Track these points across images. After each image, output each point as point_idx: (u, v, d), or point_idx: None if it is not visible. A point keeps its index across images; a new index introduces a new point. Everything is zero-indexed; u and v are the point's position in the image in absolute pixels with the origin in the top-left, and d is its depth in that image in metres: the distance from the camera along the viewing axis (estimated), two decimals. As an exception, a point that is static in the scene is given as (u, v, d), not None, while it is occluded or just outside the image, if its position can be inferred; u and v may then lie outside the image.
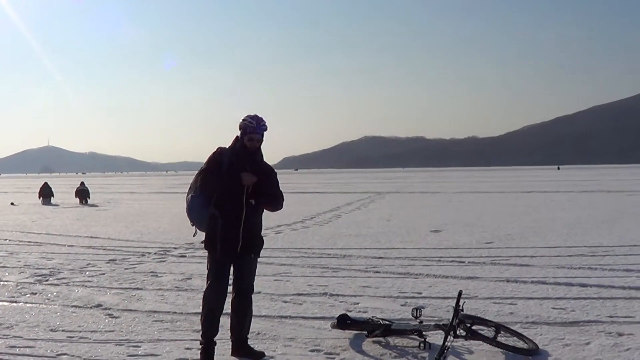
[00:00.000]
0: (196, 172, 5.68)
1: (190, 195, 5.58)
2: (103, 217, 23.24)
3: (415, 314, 5.91)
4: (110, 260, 11.65)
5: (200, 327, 5.66)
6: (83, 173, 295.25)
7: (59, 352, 5.77)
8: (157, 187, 66.82)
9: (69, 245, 14.08)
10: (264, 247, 5.78)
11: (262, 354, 5.59)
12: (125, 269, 10.65)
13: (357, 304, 7.60)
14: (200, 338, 5.57)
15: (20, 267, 11.00)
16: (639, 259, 10.36)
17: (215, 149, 5.61)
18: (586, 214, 20.01)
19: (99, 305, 7.77)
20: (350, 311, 6.96)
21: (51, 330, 6.62)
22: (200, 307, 5.71)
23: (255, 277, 5.74)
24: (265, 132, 5.57)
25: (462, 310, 5.54)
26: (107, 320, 7.02)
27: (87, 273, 10.26)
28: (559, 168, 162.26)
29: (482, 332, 5.64)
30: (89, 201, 34.29)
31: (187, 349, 5.82)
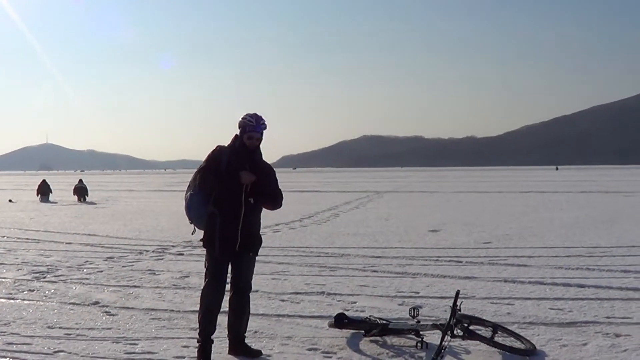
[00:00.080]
0: (195, 170, 5.68)
1: (189, 194, 5.58)
2: (101, 215, 23.22)
3: (412, 314, 5.91)
4: (108, 257, 11.64)
5: (197, 325, 5.66)
6: (81, 171, 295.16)
7: (56, 349, 5.77)
8: (155, 185, 66.79)
9: (66, 243, 14.07)
10: (262, 245, 5.78)
11: (259, 353, 5.60)
12: (123, 266, 10.64)
13: (355, 303, 7.60)
14: (197, 336, 5.57)
15: (18, 264, 11.00)
16: (637, 260, 10.37)
17: (214, 148, 5.61)
18: (584, 215, 20.03)
19: (96, 303, 7.77)
20: (347, 310, 6.96)
21: (48, 327, 6.62)
22: (198, 305, 5.71)
23: (253, 276, 5.75)
24: (264, 131, 5.58)
25: (460, 310, 5.54)
26: (104, 318, 7.02)
27: (85, 270, 10.25)
28: (557, 168, 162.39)
29: (479, 332, 5.64)
30: (87, 199, 34.26)
31: (185, 346, 5.82)
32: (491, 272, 9.51)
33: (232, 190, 5.44)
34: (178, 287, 8.76)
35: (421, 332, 5.82)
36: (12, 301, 7.98)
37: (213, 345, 5.53)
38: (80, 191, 34.59)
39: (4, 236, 15.86)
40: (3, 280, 9.51)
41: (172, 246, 13.20)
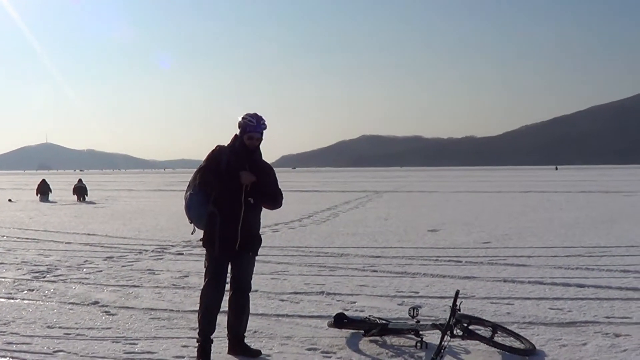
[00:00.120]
0: (194, 169, 5.68)
1: (189, 193, 5.58)
2: (101, 215, 23.21)
3: (412, 314, 5.90)
4: (107, 257, 11.64)
5: (197, 325, 5.66)
6: (81, 170, 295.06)
7: (56, 349, 5.77)
8: (154, 184, 66.77)
9: (66, 242, 14.07)
10: (261, 245, 5.78)
11: (258, 352, 5.59)
12: (123, 266, 10.64)
13: (354, 302, 7.60)
14: (197, 336, 5.57)
15: (18, 264, 10.99)
16: (637, 260, 10.38)
17: (214, 147, 5.61)
18: (584, 215, 20.03)
19: (96, 303, 7.76)
20: (347, 310, 6.96)
21: (48, 327, 6.61)
22: (198, 305, 5.70)
23: (253, 276, 5.74)
24: (264, 131, 5.58)
25: (459, 309, 5.53)
26: (104, 318, 7.01)
27: (85, 270, 10.25)
28: (557, 168, 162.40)
29: (479, 332, 5.64)
30: (87, 198, 34.24)
31: (184, 346, 5.81)
32: (491, 272, 9.51)
33: (232, 190, 5.44)
34: (177, 286, 8.76)
35: (421, 332, 5.82)
36: (11, 301, 7.97)
37: (212, 345, 5.53)
38: (80, 191, 34.57)
39: (3, 236, 15.85)
40: (3, 279, 9.50)
41: (172, 246, 13.19)
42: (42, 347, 5.83)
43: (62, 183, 57.52)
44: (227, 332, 5.71)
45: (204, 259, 5.64)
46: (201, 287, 5.68)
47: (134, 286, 8.82)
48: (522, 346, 5.53)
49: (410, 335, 5.98)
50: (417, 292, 8.13)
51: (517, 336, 5.69)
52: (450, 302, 5.68)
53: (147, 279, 9.36)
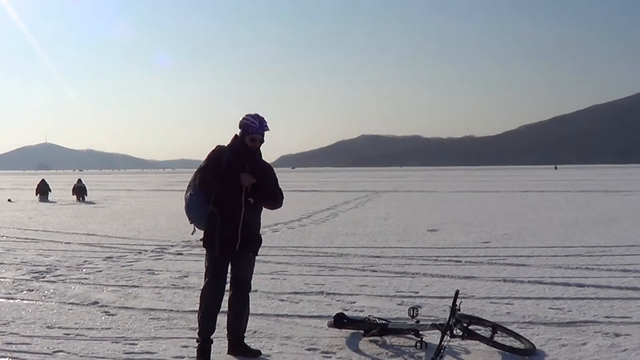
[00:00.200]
0: (193, 169, 5.67)
1: (189, 193, 5.57)
2: (100, 215, 23.20)
3: (412, 314, 5.90)
4: (107, 257, 11.63)
5: (197, 325, 5.66)
6: (80, 170, 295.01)
7: (56, 349, 5.77)
8: (154, 184, 66.76)
9: (65, 243, 14.06)
10: (261, 245, 5.78)
11: (258, 353, 5.59)
12: (122, 266, 10.64)
13: (354, 302, 7.59)
14: (197, 336, 5.57)
15: (17, 264, 10.98)
16: (636, 260, 10.37)
17: (214, 147, 5.60)
18: (584, 214, 20.03)
19: (95, 303, 7.76)
20: (346, 310, 6.96)
21: (48, 327, 6.61)
22: (197, 305, 5.70)
23: (252, 276, 5.74)
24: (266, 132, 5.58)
25: (459, 309, 5.53)
26: (103, 318, 7.01)
27: (84, 270, 10.25)
28: (556, 168, 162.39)
29: (478, 332, 5.64)
30: (86, 198, 34.24)
31: (184, 346, 5.81)
32: (490, 272, 9.51)
33: (232, 190, 5.44)
34: (177, 286, 8.75)
35: (420, 332, 5.82)
36: (11, 301, 7.97)
37: (212, 345, 5.52)
38: (79, 191, 34.57)
39: (3, 236, 15.84)
40: (2, 280, 9.49)
41: (171, 246, 13.19)
42: (42, 348, 5.83)
43: (61, 183, 57.51)
44: (226, 332, 5.71)
45: (203, 259, 5.64)
46: (201, 287, 5.68)
47: (134, 286, 8.82)
48: (522, 346, 5.52)
49: (410, 335, 5.97)
50: (417, 292, 8.13)
51: (517, 336, 5.69)
52: (450, 302, 5.68)
53: (146, 279, 9.35)
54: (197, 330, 5.58)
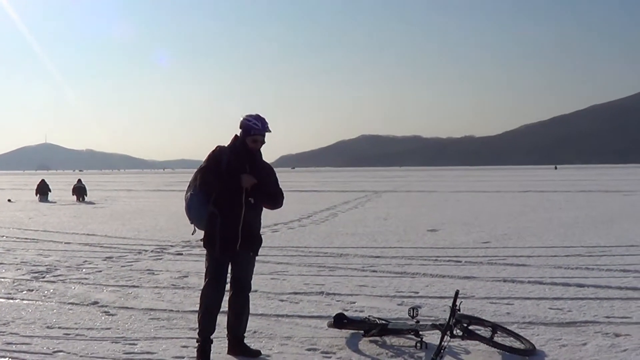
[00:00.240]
0: (193, 170, 5.67)
1: (189, 194, 5.57)
2: (100, 215, 23.21)
3: (411, 314, 5.90)
4: (107, 257, 11.63)
5: (196, 325, 5.66)
6: (80, 170, 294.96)
7: (55, 350, 5.77)
8: (154, 184, 66.76)
9: (65, 243, 14.06)
10: (261, 245, 5.78)
11: (258, 353, 5.59)
12: (122, 266, 10.63)
13: (354, 303, 7.59)
14: (196, 336, 5.57)
15: (17, 264, 10.98)
16: (636, 260, 10.37)
17: (214, 148, 5.60)
18: (583, 214, 20.03)
19: (95, 303, 7.76)
20: (346, 310, 6.95)
21: (47, 327, 6.61)
22: (197, 305, 5.70)
23: (252, 276, 5.74)
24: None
25: (459, 310, 5.53)
26: (103, 318, 7.01)
27: (84, 270, 10.24)
28: (556, 167, 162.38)
29: (478, 332, 5.64)
30: (86, 198, 34.24)
31: (184, 347, 5.81)
32: (490, 272, 9.50)
33: (233, 190, 5.43)
34: (177, 287, 8.75)
35: (420, 332, 5.82)
36: (11, 301, 7.97)
37: (212, 345, 5.52)
38: (79, 191, 34.57)
39: (3, 236, 15.84)
40: (2, 280, 9.50)
41: (171, 246, 13.19)
42: (42, 348, 5.83)
43: (61, 183, 57.51)
44: (226, 333, 5.71)
45: (203, 259, 5.64)
46: (201, 288, 5.68)
47: (134, 286, 8.82)
48: (522, 346, 5.52)
49: (410, 336, 5.98)
50: (417, 292, 8.13)
51: (517, 336, 5.69)
52: (449, 302, 5.68)
53: (146, 279, 9.35)
54: (197, 331, 5.58)
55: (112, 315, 7.13)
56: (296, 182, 64.08)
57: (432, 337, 5.72)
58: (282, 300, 7.74)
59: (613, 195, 31.87)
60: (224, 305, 5.62)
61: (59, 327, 6.58)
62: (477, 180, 66.28)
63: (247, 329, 5.80)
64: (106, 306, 7.57)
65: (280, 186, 5.80)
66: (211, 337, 5.53)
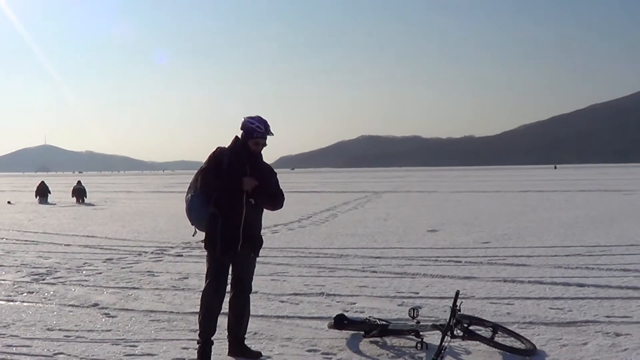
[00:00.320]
0: (193, 171, 5.67)
1: (190, 195, 5.57)
2: (100, 216, 23.21)
3: (412, 314, 5.90)
4: (107, 259, 11.63)
5: (197, 327, 5.65)
6: (80, 172, 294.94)
7: (56, 352, 5.76)
8: (153, 186, 66.75)
9: (65, 245, 14.06)
10: (262, 246, 5.77)
11: (259, 354, 5.59)
12: (122, 268, 10.63)
13: (354, 304, 7.59)
14: (197, 337, 5.56)
15: (17, 266, 10.98)
16: (636, 259, 10.37)
17: (214, 149, 5.60)
18: (583, 214, 20.03)
19: (95, 305, 7.76)
20: (347, 311, 6.95)
21: (48, 329, 6.60)
22: (197, 307, 5.70)
23: (253, 277, 5.74)
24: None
25: (460, 310, 5.53)
26: (103, 320, 7.00)
27: (84, 272, 10.24)
28: (555, 167, 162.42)
29: (479, 333, 5.64)
30: (86, 200, 34.24)
31: (184, 348, 5.81)
32: (490, 272, 9.50)
33: (233, 191, 5.43)
34: (177, 288, 8.75)
35: (421, 333, 5.82)
36: (11, 303, 7.97)
37: (213, 347, 5.52)
38: (79, 192, 34.57)
39: (2, 238, 15.83)
40: (2, 282, 9.49)
41: (171, 247, 13.19)
42: (42, 350, 5.82)
43: (61, 185, 57.50)
44: (227, 334, 5.71)
45: (204, 260, 5.63)
46: (201, 289, 5.67)
47: (134, 288, 8.82)
48: (522, 346, 5.52)
49: (410, 336, 5.97)
50: (417, 293, 8.13)
51: (517, 336, 5.69)
52: (450, 303, 5.68)
53: (146, 281, 9.35)
54: (198, 332, 5.58)
55: (113, 317, 7.13)
56: (296, 183, 64.09)
57: (433, 338, 5.72)
58: (282, 302, 7.74)
59: (613, 195, 31.88)
60: (225, 307, 5.62)
61: (60, 329, 6.58)
62: (477, 180, 66.30)
63: (247, 330, 5.79)
64: (106, 308, 7.57)
65: (281, 187, 5.80)
66: (212, 338, 5.53)
